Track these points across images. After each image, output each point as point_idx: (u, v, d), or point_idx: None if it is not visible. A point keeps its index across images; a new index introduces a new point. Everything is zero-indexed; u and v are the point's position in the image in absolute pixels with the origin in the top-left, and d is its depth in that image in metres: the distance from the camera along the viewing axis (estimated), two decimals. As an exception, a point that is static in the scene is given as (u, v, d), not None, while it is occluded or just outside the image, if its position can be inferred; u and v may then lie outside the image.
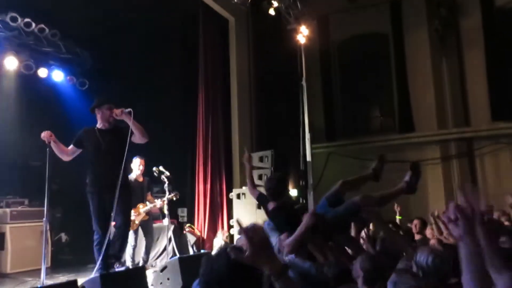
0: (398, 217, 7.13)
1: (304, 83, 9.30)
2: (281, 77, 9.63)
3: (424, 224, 5.88)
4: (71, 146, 4.90)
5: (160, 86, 9.05)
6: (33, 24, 7.59)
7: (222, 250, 1.60)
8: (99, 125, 4.94)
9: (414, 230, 5.82)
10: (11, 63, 7.75)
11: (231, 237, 8.19)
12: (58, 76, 8.68)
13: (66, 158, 4.89)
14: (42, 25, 7.76)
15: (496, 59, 10.07)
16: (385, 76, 11.42)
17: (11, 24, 7.39)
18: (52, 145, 4.69)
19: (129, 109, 4.75)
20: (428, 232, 5.75)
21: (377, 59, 11.64)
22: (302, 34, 9.26)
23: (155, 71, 9.08)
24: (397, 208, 7.19)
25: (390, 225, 6.33)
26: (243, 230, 1.39)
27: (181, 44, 9.69)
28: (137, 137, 4.80)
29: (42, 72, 8.38)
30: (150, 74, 9.04)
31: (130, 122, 4.70)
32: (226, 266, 1.48)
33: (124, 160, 4.74)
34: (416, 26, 10.79)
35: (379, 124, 11.80)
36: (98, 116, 4.94)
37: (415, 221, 5.90)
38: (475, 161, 10.22)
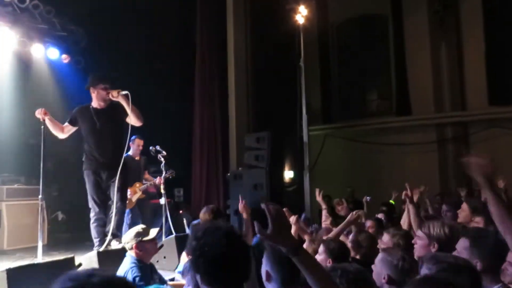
0: (391, 201, 7.17)
1: (302, 64, 9.24)
2: (278, 58, 9.55)
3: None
4: (66, 124, 4.86)
5: (157, 65, 8.96)
6: (27, 0, 7.45)
7: (220, 224, 1.72)
8: (94, 104, 4.86)
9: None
10: (5, 39, 7.63)
11: (227, 217, 8.24)
12: (53, 53, 8.57)
13: (61, 136, 4.86)
14: (37, 1, 7.61)
15: (495, 43, 10.02)
16: (383, 58, 11.36)
17: (5, -1, 7.25)
18: (47, 122, 4.66)
19: (126, 92, 4.66)
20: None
21: (375, 41, 11.56)
22: (301, 14, 9.16)
23: (151, 50, 8.98)
24: (394, 194, 7.20)
25: (384, 208, 6.40)
26: (268, 209, 1.45)
27: (178, 23, 9.56)
28: (132, 120, 4.76)
29: (37, 50, 8.26)
30: (146, 53, 8.94)
31: (126, 105, 4.63)
32: (225, 238, 1.59)
33: (122, 139, 4.73)
34: (416, 8, 10.68)
35: (376, 106, 11.79)
36: (93, 95, 4.86)
37: (404, 206, 5.83)
38: (471, 145, 10.26)
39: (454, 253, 2.25)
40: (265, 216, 1.47)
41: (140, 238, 3.43)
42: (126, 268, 3.33)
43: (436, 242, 2.55)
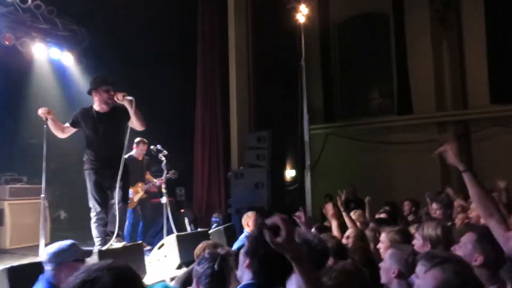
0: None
1: (303, 63, 9.23)
2: (280, 57, 9.56)
3: (416, 205, 5.88)
4: (67, 125, 4.86)
5: (158, 64, 8.98)
6: (29, 0, 7.47)
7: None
8: (96, 107, 4.85)
9: (406, 212, 5.83)
10: (7, 39, 7.66)
11: (228, 216, 8.26)
12: (55, 53, 8.60)
13: (61, 136, 4.87)
14: (38, 1, 7.64)
15: (496, 41, 9.99)
16: (384, 57, 11.35)
17: (7, -1, 7.28)
18: (49, 122, 4.67)
19: (131, 98, 4.64)
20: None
21: (377, 39, 11.56)
22: (302, 13, 9.14)
23: (153, 50, 9.00)
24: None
25: (386, 208, 6.39)
26: (282, 220, 1.54)
27: (180, 22, 9.58)
28: (135, 125, 4.77)
29: (39, 49, 8.30)
30: (147, 52, 8.97)
31: (131, 110, 4.63)
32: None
33: (123, 141, 4.74)
34: (417, 6, 10.66)
35: (377, 105, 11.79)
36: (95, 98, 4.84)
37: (406, 202, 5.89)
38: (472, 143, 10.25)
39: (457, 245, 2.27)
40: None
41: (75, 257, 2.68)
42: None
43: (429, 243, 2.65)
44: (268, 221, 1.57)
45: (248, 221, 5.11)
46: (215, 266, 2.25)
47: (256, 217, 5.12)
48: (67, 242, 2.79)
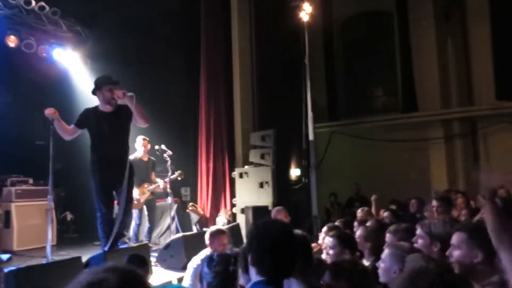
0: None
1: (306, 61, 9.20)
2: (283, 55, 9.53)
3: (421, 203, 5.85)
4: (72, 126, 4.87)
5: (162, 64, 8.99)
6: (33, 2, 7.50)
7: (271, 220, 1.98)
8: (101, 107, 4.88)
9: (411, 210, 5.79)
10: (12, 41, 7.70)
11: (233, 215, 8.26)
12: (59, 54, 8.63)
13: (67, 138, 4.88)
14: (42, 3, 7.66)
15: (502, 38, 9.91)
16: (388, 54, 11.29)
17: (11, 1, 7.31)
18: (55, 123, 4.68)
19: (131, 94, 4.66)
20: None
21: (381, 37, 11.50)
22: (305, 12, 9.11)
23: (157, 50, 9.01)
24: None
25: (393, 206, 6.37)
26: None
27: (183, 22, 9.58)
28: (138, 121, 4.78)
29: (43, 51, 8.33)
30: (151, 52, 8.98)
31: (132, 106, 4.64)
32: (281, 230, 1.82)
33: (128, 141, 4.75)
34: (420, 3, 10.60)
35: (382, 103, 11.73)
36: (100, 99, 4.87)
37: (412, 201, 5.86)
38: (479, 140, 10.19)
39: (450, 249, 2.20)
40: None
41: None
42: None
43: (439, 241, 2.52)
44: None
45: (275, 215, 5.51)
46: (229, 267, 2.26)
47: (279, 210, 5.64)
48: None
